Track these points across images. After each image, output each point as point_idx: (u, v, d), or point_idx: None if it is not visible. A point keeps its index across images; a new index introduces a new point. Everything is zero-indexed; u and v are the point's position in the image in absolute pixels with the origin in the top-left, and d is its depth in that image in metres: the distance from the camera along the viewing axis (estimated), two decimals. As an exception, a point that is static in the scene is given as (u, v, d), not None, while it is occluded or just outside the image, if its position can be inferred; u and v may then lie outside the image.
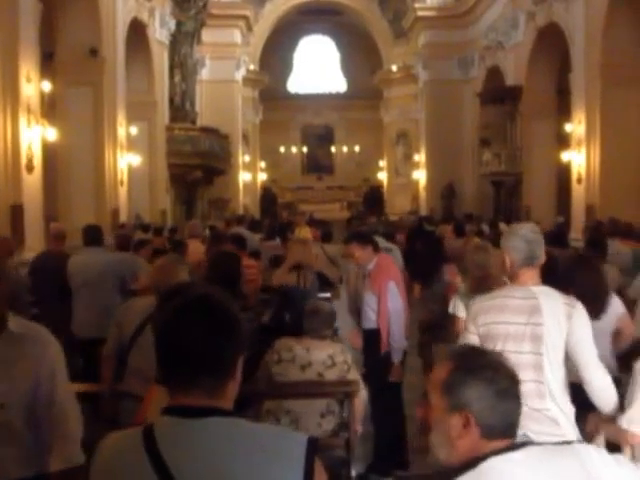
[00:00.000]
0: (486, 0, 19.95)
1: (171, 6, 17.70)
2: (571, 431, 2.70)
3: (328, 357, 3.87)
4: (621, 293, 4.70)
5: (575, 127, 13.40)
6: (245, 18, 23.39)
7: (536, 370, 2.73)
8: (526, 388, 2.28)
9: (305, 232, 9.71)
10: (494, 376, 1.55)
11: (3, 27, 8.20)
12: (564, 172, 14.46)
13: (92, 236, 5.93)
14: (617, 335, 3.70)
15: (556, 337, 2.73)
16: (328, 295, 7.83)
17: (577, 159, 13.17)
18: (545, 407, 2.71)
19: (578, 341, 2.73)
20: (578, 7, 13.16)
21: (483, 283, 3.93)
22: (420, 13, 22.90)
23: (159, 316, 1.74)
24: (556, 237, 6.81)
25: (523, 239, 2.82)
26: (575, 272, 3.71)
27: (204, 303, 1.50)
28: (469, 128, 21.46)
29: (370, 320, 5.02)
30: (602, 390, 2.71)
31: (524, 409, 1.94)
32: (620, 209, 10.53)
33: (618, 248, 6.69)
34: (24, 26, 8.67)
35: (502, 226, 11.23)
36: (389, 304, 4.85)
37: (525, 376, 2.51)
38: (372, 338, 4.98)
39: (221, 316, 1.48)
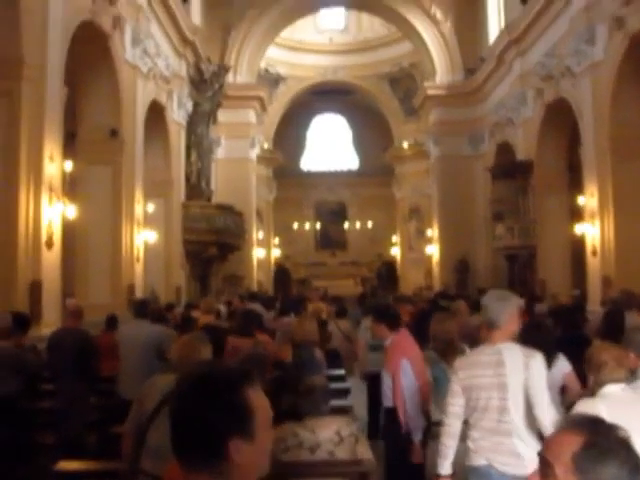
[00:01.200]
0: (494, 78, 20.47)
1: (189, 88, 18.33)
2: (534, 464, 2.85)
3: (335, 434, 3.74)
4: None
5: (588, 200, 13.49)
6: (260, 99, 24.05)
7: (503, 412, 3.35)
8: (495, 427, 3.36)
9: (319, 308, 9.73)
10: (628, 454, 1.45)
11: (31, 109, 8.50)
12: (578, 245, 14.45)
13: (140, 310, 6.80)
14: (565, 390, 4.23)
15: (517, 384, 3.34)
16: (342, 372, 7.76)
17: (591, 231, 13.20)
18: (510, 442, 3.32)
19: (533, 386, 3.32)
20: (585, 83, 13.47)
21: (448, 348, 4.73)
22: (430, 92, 23.44)
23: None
24: (572, 317, 6.70)
25: (487, 308, 3.50)
26: (528, 333, 4.21)
27: (199, 383, 1.52)
28: (481, 202, 21.63)
29: (388, 398, 4.94)
30: (551, 426, 3.13)
31: (491, 444, 2.94)
32: (636, 281, 10.47)
33: (636, 321, 6.62)
34: (50, 108, 9.01)
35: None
36: (402, 382, 4.75)
37: (494, 417, 3.36)
38: (391, 417, 4.87)
39: (214, 396, 1.49)
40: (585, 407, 3.07)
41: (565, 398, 3.87)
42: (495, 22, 21.29)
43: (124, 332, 6.77)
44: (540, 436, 3.29)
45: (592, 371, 3.39)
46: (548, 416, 3.27)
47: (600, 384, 3.27)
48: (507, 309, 3.47)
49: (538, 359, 3.39)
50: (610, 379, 3.24)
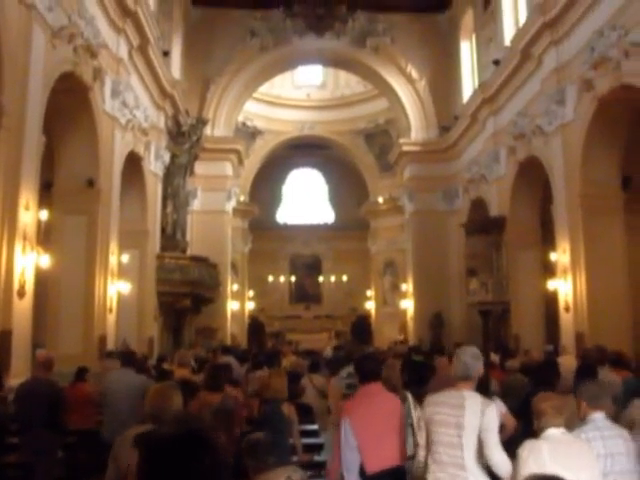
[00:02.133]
0: (468, 136, 20.91)
1: (166, 140, 18.44)
2: None
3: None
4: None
5: (560, 256, 13.69)
6: (237, 152, 24.25)
7: (458, 448, 3.97)
8: (450, 460, 4.00)
9: (297, 363, 9.63)
10: None
11: (8, 158, 8.48)
12: (551, 300, 14.58)
13: (126, 359, 7.35)
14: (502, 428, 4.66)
15: (473, 426, 3.94)
16: (315, 427, 7.66)
17: (564, 288, 13.35)
18: (463, 476, 3.93)
19: (486, 429, 3.91)
20: (556, 142, 13.82)
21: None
22: (405, 148, 23.82)
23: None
24: (543, 373, 6.68)
25: (461, 362, 4.17)
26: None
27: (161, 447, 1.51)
28: (455, 257, 21.80)
29: None
30: (500, 464, 3.85)
31: (447, 475, 3.86)
32: (609, 336, 10.58)
33: (608, 377, 6.65)
34: (27, 157, 8.99)
35: (492, 356, 11.16)
36: (340, 440, 4.64)
37: (450, 452, 4.00)
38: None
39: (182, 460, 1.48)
40: (530, 446, 3.64)
41: (501, 435, 4.33)
42: (469, 82, 21.90)
43: (112, 379, 7.04)
44: (488, 471, 3.94)
45: (535, 417, 3.89)
46: (496, 455, 3.88)
47: (541, 429, 3.79)
48: (478, 366, 4.19)
49: (493, 408, 4.03)
50: (550, 424, 3.76)
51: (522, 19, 16.29)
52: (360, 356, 5.78)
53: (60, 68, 10.52)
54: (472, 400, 4.04)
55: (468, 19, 21.66)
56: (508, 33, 17.31)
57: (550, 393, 4.22)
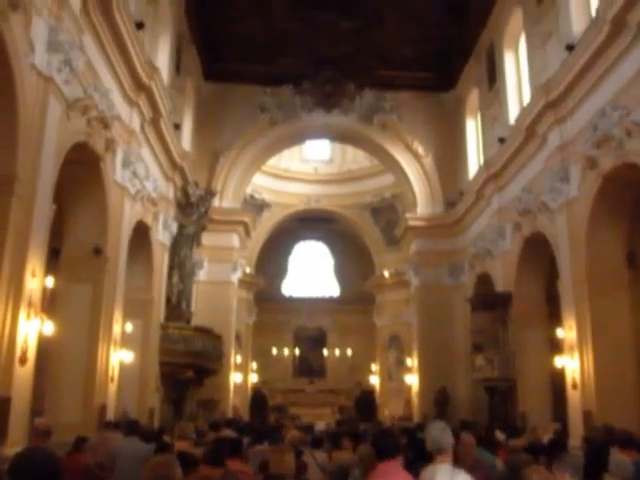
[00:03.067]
0: (473, 212, 21.08)
1: (175, 211, 18.65)
2: None
3: None
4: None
5: (566, 333, 13.56)
6: (244, 224, 24.46)
7: None
8: None
9: (294, 437, 9.42)
10: None
11: (18, 225, 8.56)
12: (558, 377, 14.36)
13: (131, 428, 7.81)
14: None
15: None
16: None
17: (571, 365, 13.17)
18: None
19: None
20: (561, 218, 13.91)
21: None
22: (411, 223, 23.98)
23: None
24: (549, 455, 6.52)
25: (431, 436, 4.48)
26: None
27: None
28: (461, 333, 21.62)
29: None
30: None
31: None
32: (618, 415, 10.38)
33: (618, 459, 6.46)
34: (37, 225, 9.07)
35: (498, 434, 10.91)
36: None
37: None
38: None
39: None
40: None
41: None
42: (474, 158, 22.24)
43: (121, 447, 7.26)
44: None
45: None
46: None
47: None
48: (447, 438, 4.50)
49: (461, 477, 4.35)
50: None
51: (526, 98, 16.67)
52: (378, 431, 5.73)
53: (73, 138, 10.75)
54: (443, 471, 4.32)
55: (473, 98, 22.19)
56: (513, 112, 17.69)
57: (542, 467, 4.53)
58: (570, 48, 12.94)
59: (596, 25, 11.68)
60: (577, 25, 13.41)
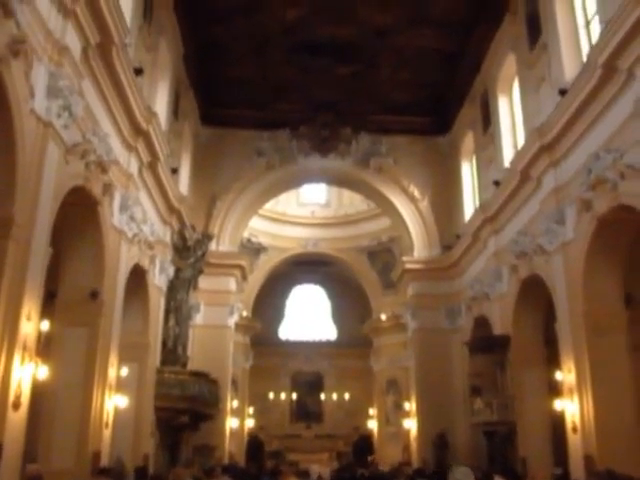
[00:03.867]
0: (470, 254, 21.12)
1: (172, 254, 18.65)
2: None
3: None
4: None
5: (565, 375, 13.46)
6: (241, 267, 24.42)
7: None
8: None
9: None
10: None
11: (14, 268, 8.54)
12: (558, 421, 14.22)
13: (141, 475, 8.05)
14: None
15: None
16: None
17: (570, 408, 13.04)
18: None
19: None
20: (557, 260, 13.94)
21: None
22: (408, 266, 23.98)
23: None
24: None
25: None
26: None
27: None
28: (459, 376, 21.44)
29: None
30: None
31: None
32: (619, 460, 10.25)
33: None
34: (33, 268, 9.05)
35: (497, 478, 10.76)
36: None
37: None
38: None
39: None
40: None
41: None
42: (470, 201, 22.38)
43: None
44: None
45: None
46: None
47: None
48: None
49: None
50: None
51: (520, 142, 16.87)
52: (375, 476, 5.95)
53: (71, 182, 10.81)
54: None
55: (468, 141, 22.43)
56: (507, 155, 17.87)
57: None
58: (563, 92, 13.14)
59: (588, 70, 11.88)
60: (569, 70, 13.64)
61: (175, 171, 18.47)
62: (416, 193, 23.77)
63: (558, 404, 14.01)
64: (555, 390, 14.76)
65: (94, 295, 12.23)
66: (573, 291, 13.15)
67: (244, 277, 25.48)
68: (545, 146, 14.10)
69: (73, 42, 10.14)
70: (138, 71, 13.54)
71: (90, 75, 11.27)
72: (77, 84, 10.39)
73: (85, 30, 10.46)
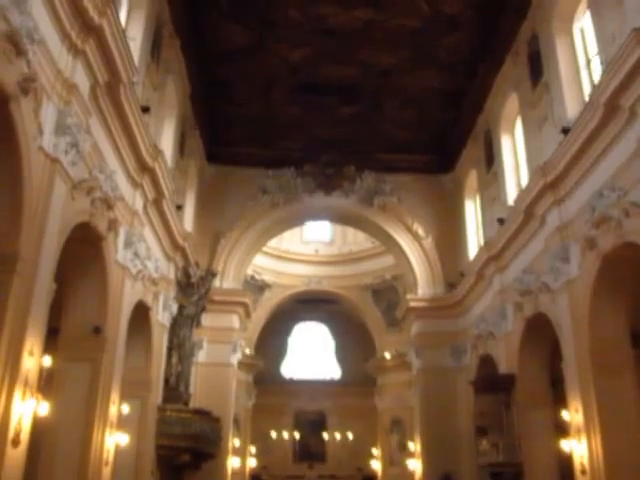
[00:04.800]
0: (475, 292, 21.03)
1: (175, 291, 18.63)
2: None
3: None
4: None
5: (572, 416, 13.28)
6: (244, 305, 24.34)
7: None
8: None
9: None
10: None
11: (18, 303, 8.52)
12: (566, 462, 13.97)
13: None
14: None
15: None
16: None
17: (578, 449, 12.82)
18: None
19: None
20: (563, 298, 13.85)
21: None
22: (412, 304, 23.85)
23: None
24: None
25: None
26: None
27: None
28: (464, 416, 21.14)
29: None
30: None
31: None
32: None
33: None
34: (36, 304, 9.03)
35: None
36: None
37: None
38: None
39: None
40: None
41: None
42: (474, 239, 22.38)
43: None
44: None
45: None
46: None
47: None
48: None
49: None
50: None
51: (524, 180, 16.94)
52: None
53: (77, 218, 10.85)
54: None
55: (472, 179, 22.52)
56: (511, 193, 17.93)
57: None
58: (566, 131, 13.22)
59: (590, 109, 11.97)
60: (571, 109, 13.76)
61: (180, 208, 18.56)
62: (420, 231, 23.80)
63: (566, 445, 13.77)
64: (562, 431, 14.52)
65: (97, 331, 12.19)
66: (579, 330, 13.05)
67: (247, 314, 25.37)
68: (549, 184, 14.14)
69: (82, 80, 10.28)
70: (145, 109, 13.69)
71: (98, 112, 11.39)
72: (85, 121, 10.51)
73: (94, 69, 10.61)
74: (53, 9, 9.07)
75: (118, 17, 10.93)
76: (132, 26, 13.84)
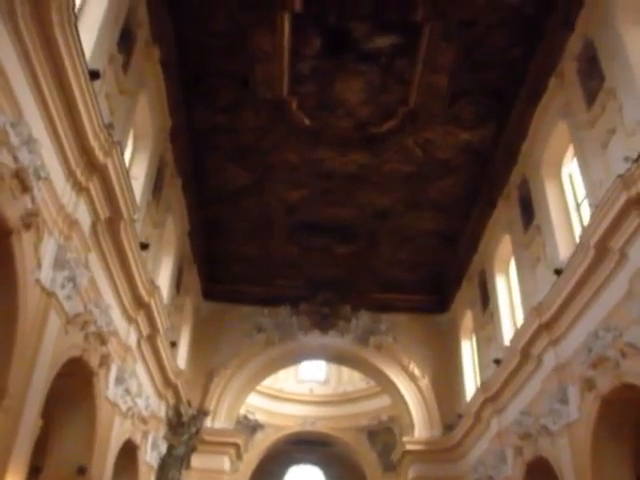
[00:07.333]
0: (472, 435, 20.43)
1: (165, 430, 18.08)
2: None
3: None
4: None
5: None
6: (236, 446, 23.53)
7: None
8: None
9: None
10: None
11: (1, 440, 8.26)
12: None
13: None
14: None
15: None
16: None
17: None
18: None
19: None
20: (563, 441, 13.42)
21: None
22: (408, 447, 23.11)
23: None
24: None
25: None
26: None
27: None
28: None
29: None
30: None
31: None
32: None
33: None
34: (21, 441, 8.71)
35: None
36: None
37: None
38: None
39: None
40: None
41: None
42: (471, 380, 22.04)
43: None
44: None
45: None
46: None
47: None
48: None
49: None
50: None
51: (519, 320, 16.93)
52: None
53: (69, 353, 10.73)
54: None
55: (467, 320, 22.51)
56: (507, 333, 17.85)
57: None
58: (558, 272, 13.38)
59: (581, 251, 12.18)
60: (563, 250, 14.00)
61: (174, 344, 18.41)
62: (416, 371, 23.51)
63: None
64: None
65: (81, 471, 11.73)
66: (581, 474, 12.53)
67: (239, 456, 24.46)
68: (544, 325, 14.12)
69: (84, 217, 10.51)
70: (144, 246, 13.91)
71: (97, 247, 11.56)
72: (84, 257, 10.66)
73: (96, 205, 10.88)
74: (61, 148, 9.40)
75: (123, 157, 11.36)
76: (136, 166, 14.35)
